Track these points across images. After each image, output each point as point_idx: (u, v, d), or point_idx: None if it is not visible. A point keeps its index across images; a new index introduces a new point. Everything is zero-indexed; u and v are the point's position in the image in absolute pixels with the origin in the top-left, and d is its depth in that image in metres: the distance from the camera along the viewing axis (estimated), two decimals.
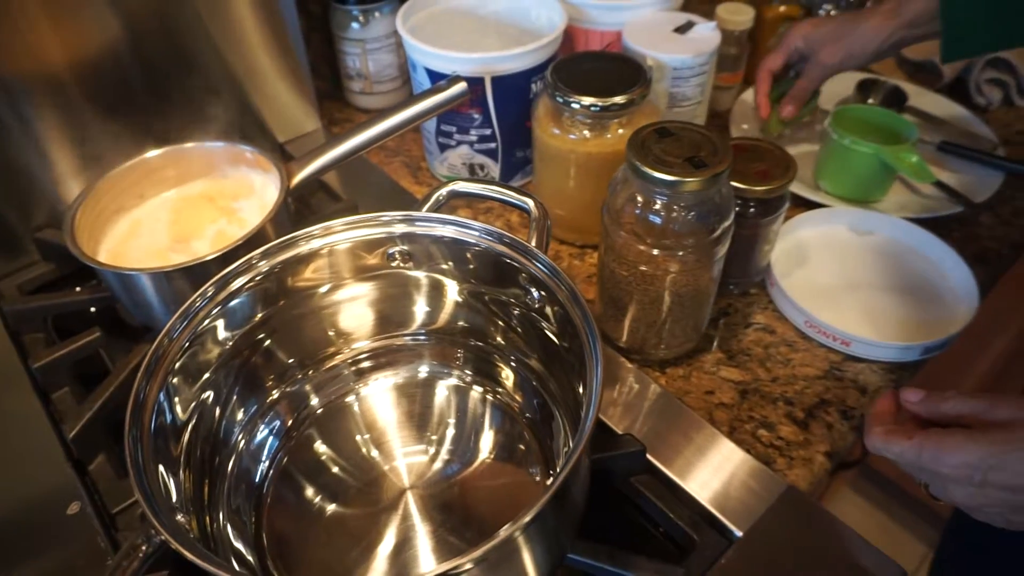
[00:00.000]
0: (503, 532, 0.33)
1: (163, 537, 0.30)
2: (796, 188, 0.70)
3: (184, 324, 0.42)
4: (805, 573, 0.44)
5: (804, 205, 0.70)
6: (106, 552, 0.45)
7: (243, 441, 0.47)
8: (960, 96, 0.83)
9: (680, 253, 0.50)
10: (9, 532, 0.47)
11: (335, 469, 0.49)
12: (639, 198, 0.50)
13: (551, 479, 0.47)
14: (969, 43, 0.61)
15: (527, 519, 0.33)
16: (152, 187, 0.61)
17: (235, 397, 0.46)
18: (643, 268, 0.51)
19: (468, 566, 0.32)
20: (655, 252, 0.50)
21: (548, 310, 0.44)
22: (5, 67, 0.58)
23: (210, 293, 0.43)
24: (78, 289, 0.63)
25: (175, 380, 0.41)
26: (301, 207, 0.71)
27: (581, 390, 0.41)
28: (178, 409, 0.42)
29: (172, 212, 0.60)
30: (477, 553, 0.32)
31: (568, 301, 0.42)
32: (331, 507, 0.47)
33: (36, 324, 0.61)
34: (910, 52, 0.89)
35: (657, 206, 0.49)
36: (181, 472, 0.40)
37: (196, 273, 0.51)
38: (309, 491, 0.48)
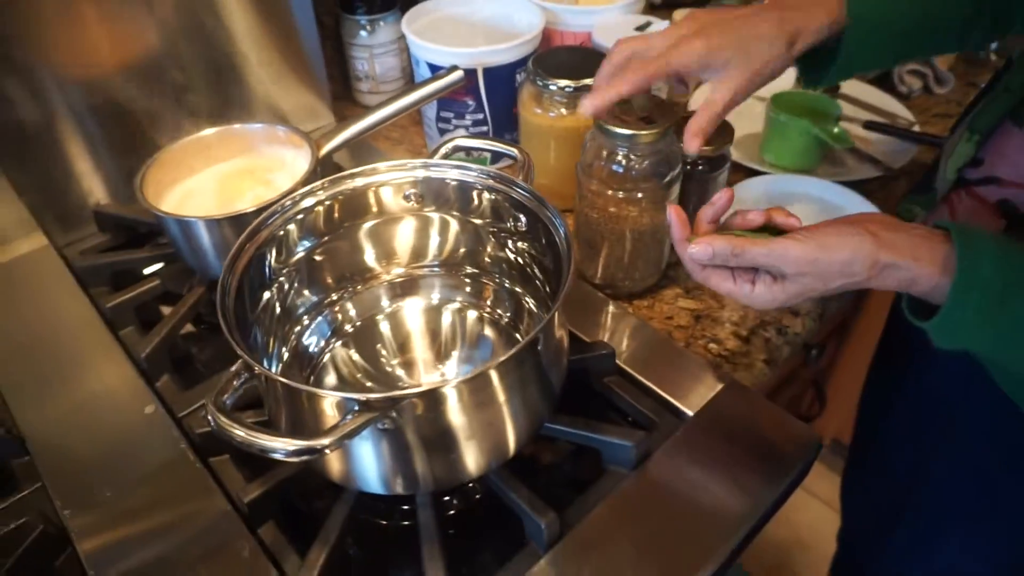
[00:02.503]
0: (492, 361, 0.42)
1: (256, 371, 0.41)
2: (744, 160, 0.82)
3: (275, 217, 0.55)
4: (743, 440, 0.55)
5: (751, 175, 0.82)
6: (179, 439, 0.56)
7: (306, 319, 0.60)
8: (886, 85, 0.97)
9: (639, 195, 0.62)
10: (105, 427, 0.57)
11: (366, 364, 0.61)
12: (604, 152, 0.62)
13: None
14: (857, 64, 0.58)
15: (511, 354, 0.42)
16: (202, 162, 0.72)
17: (305, 285, 0.59)
18: (611, 210, 0.63)
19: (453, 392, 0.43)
20: (620, 195, 0.62)
21: (533, 228, 0.56)
22: (67, 66, 0.70)
23: (289, 202, 0.57)
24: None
25: (267, 249, 0.54)
26: None
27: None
28: (266, 272, 0.54)
29: (217, 183, 0.72)
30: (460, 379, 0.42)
31: (542, 214, 0.53)
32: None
33: (102, 279, 0.72)
34: None
35: (619, 157, 0.61)
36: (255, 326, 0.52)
37: (240, 222, 0.62)
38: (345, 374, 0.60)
